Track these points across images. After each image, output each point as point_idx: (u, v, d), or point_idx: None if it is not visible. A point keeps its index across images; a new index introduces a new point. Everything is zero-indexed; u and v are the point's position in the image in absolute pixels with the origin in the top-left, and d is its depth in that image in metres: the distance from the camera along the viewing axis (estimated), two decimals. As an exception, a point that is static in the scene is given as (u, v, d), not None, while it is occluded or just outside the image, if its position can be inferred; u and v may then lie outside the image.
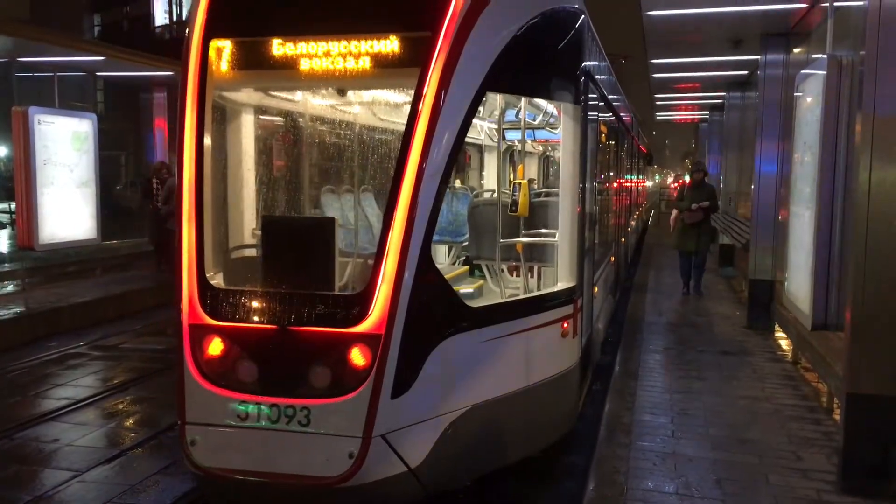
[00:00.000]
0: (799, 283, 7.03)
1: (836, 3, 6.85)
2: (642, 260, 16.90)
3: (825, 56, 6.33)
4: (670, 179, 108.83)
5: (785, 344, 8.69)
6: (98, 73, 15.20)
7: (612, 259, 9.03)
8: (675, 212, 12.19)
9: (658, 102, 17.85)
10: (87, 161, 12.81)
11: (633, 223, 16.43)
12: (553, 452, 5.94)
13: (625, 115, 10.88)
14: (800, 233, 7.03)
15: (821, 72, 6.46)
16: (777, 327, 9.19)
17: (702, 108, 19.55)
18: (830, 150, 6.21)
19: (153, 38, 32.07)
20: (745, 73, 12.57)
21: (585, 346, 5.86)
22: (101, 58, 12.93)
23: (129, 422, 6.78)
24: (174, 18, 33.15)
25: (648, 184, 38.21)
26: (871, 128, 4.29)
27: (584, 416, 6.57)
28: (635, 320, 9.93)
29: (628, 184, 14.57)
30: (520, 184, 5.26)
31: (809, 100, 6.93)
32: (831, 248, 6.30)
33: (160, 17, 33.39)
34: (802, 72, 7.21)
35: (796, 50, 9.01)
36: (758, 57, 9.73)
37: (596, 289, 6.75)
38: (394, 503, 4.21)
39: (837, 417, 6.10)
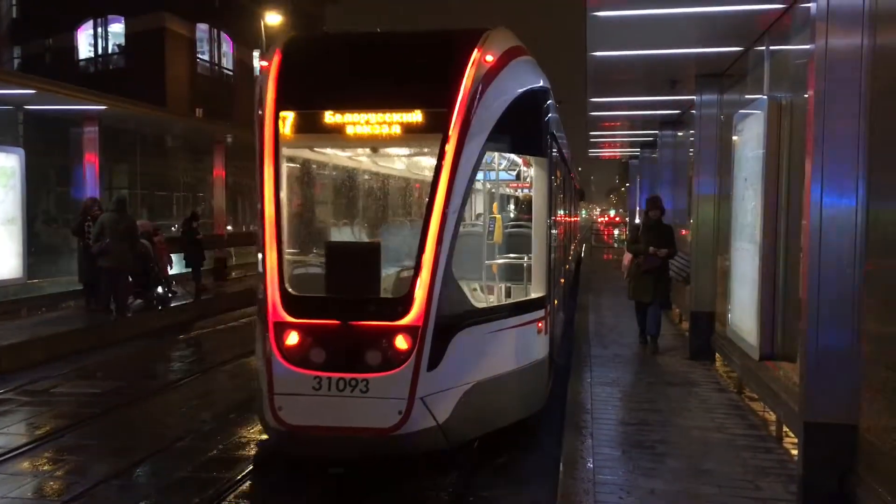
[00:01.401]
0: (743, 316, 7.20)
1: (771, 48, 7.18)
2: (581, 288, 17.24)
3: (765, 97, 6.61)
4: (597, 213, 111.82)
5: (726, 373, 8.88)
6: (26, 107, 14.62)
7: (563, 281, 10.75)
8: (627, 256, 10.47)
9: (592, 139, 18.29)
10: (13, 197, 12.25)
11: (572, 254, 17.12)
12: (516, 485, 6.00)
13: (568, 157, 12.24)
14: (743, 267, 7.24)
15: (759, 112, 6.73)
16: (718, 357, 9.40)
17: (633, 145, 20.13)
18: (773, 187, 6.45)
19: (78, 71, 31.14)
20: (677, 112, 13.03)
21: (550, 344, 7.40)
22: (32, 91, 12.45)
23: (65, 471, 6.45)
24: (99, 52, 32.25)
25: (579, 218, 39.09)
26: (822, 165, 4.47)
27: (543, 448, 6.67)
28: (581, 354, 10.02)
29: (570, 219, 15.17)
30: (495, 218, 7.22)
31: (748, 138, 7.19)
32: (776, 280, 6.50)
33: (84, 51, 32.43)
34: (741, 111, 7.50)
35: (730, 90, 9.38)
36: (693, 97, 10.09)
37: (556, 301, 8.34)
38: (425, 449, 5.79)
39: (788, 446, 6.24)
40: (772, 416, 6.83)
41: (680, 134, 14.41)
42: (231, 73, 34.78)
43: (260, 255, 6.17)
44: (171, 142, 22.04)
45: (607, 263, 27.69)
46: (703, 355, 9.55)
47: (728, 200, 8.06)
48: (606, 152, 24.14)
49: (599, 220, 79.82)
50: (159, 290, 14.58)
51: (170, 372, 10.65)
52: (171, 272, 15.39)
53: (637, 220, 21.96)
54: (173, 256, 15.78)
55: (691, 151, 11.84)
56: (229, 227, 21.74)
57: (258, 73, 6.45)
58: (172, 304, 14.63)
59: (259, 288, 6.19)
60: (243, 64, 35.34)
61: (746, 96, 8.30)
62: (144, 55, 29.86)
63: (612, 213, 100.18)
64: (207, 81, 32.63)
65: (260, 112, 6.29)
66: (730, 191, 7.76)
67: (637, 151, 21.01)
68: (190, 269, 16.87)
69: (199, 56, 32.29)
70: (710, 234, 9.71)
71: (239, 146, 21.91)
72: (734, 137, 7.63)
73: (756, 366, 6.91)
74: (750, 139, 7.04)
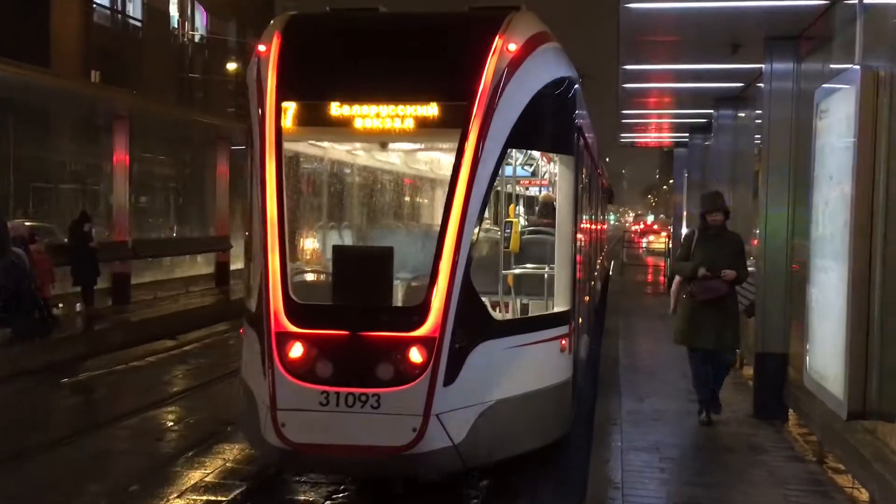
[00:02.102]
0: (827, 359, 7.10)
1: (866, 1, 7.24)
2: (608, 319, 17.24)
3: (857, 67, 6.66)
4: (630, 219, 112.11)
5: (803, 436, 8.96)
6: None
7: (587, 299, 11.77)
8: (675, 281, 9.61)
9: (625, 121, 18.44)
10: None
11: (598, 270, 17.76)
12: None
13: (594, 151, 12.91)
14: (827, 292, 7.19)
15: (849, 86, 6.77)
16: (792, 414, 9.45)
17: (679, 129, 20.30)
18: (867, 186, 6.48)
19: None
20: (739, 85, 13.14)
21: (574, 366, 8.61)
22: None
23: None
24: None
25: (607, 226, 39.39)
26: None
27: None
28: (609, 409, 10.07)
29: (596, 227, 15.68)
30: (511, 222, 8.48)
31: (834, 121, 7.22)
32: (870, 311, 6.44)
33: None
34: (825, 86, 7.55)
35: (810, 58, 9.46)
36: (760, 66, 10.17)
37: (580, 319, 9.44)
38: (440, 470, 7.09)
39: (885, 534, 6.25)
40: (863, 494, 6.85)
41: (742, 115, 14.50)
42: (139, 24, 34.82)
43: (256, 261, 7.43)
44: (56, 116, 21.97)
45: (643, 286, 27.79)
46: (771, 411, 9.58)
47: (807, 204, 8.10)
48: (643, 138, 24.31)
49: (633, 227, 79.83)
50: (36, 314, 14.45)
51: (48, 428, 10.54)
52: (52, 291, 15.30)
53: (686, 227, 21.96)
54: (56, 270, 15.70)
55: (758, 138, 11.91)
56: (134, 233, 21.63)
57: (254, 58, 7.77)
58: (54, 335, 14.50)
59: (253, 296, 7.51)
60: (156, 13, 35.41)
61: (832, 66, 8.36)
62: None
63: (650, 218, 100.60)
64: (107, 35, 32.62)
65: (257, 102, 7.52)
66: (810, 191, 7.81)
67: (684, 137, 21.15)
68: (79, 288, 16.77)
69: (97, 1, 32.30)
70: (782, 249, 9.77)
71: (149, 123, 21.86)
72: (816, 120, 7.68)
73: (843, 426, 6.90)
74: (837, 123, 7.09)
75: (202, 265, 26.03)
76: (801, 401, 8.59)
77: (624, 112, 17.15)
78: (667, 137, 23.66)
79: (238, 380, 7.87)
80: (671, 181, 37.10)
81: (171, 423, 10.61)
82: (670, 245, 27.09)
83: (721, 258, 9.05)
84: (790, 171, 9.71)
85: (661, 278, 28.98)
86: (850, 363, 6.45)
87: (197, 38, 42.00)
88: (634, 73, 12.44)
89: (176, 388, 12.50)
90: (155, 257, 23.13)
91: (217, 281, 24.19)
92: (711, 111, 15.68)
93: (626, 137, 22.59)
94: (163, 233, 26.95)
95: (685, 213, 21.74)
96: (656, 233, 60.91)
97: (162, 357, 14.95)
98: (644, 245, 50.25)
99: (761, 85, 10.42)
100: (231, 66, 46.86)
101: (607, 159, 42.36)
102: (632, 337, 15.53)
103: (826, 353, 7.12)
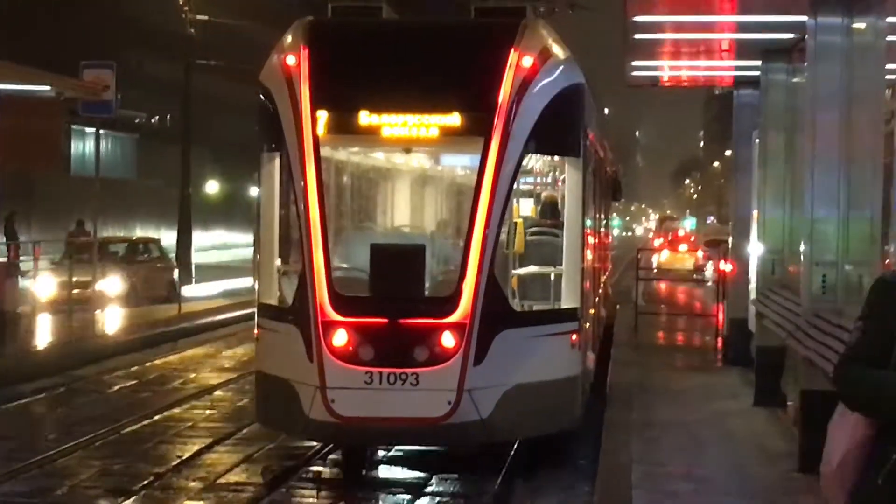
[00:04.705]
0: None
1: None
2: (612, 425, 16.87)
3: None
4: (649, 224, 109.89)
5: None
6: None
7: (593, 311, 18.47)
8: (838, 416, 6.52)
9: (639, 35, 18.05)
10: None
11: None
12: None
13: (599, 146, 19.45)
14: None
15: None
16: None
17: (743, 51, 19.91)
18: None
19: None
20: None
21: (583, 365, 15.96)
22: None
23: None
24: None
25: (611, 237, 38.39)
26: None
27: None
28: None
29: (597, 238, 19.72)
30: (516, 223, 15.06)
31: None
32: None
33: None
34: None
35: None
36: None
37: (588, 325, 16.82)
38: (470, 441, 14.76)
39: None
40: None
41: (861, 26, 14.00)
42: None
43: (293, 260, 14.60)
44: None
45: (676, 358, 25.55)
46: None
47: None
48: (673, 72, 23.65)
49: (655, 240, 78.94)
50: None
51: None
52: None
53: (757, 238, 20.67)
54: None
55: (892, 70, 12.71)
56: None
57: (278, 66, 14.08)
58: None
59: (287, 294, 14.36)
60: None
61: None
62: None
63: (689, 224, 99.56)
64: None
65: (291, 112, 13.74)
66: None
67: (753, 69, 20.28)
68: None
69: None
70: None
71: None
72: None
73: None
74: None
75: None
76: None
77: (637, 21, 16.60)
78: (719, 70, 22.89)
79: (259, 379, 14.51)
80: (728, 153, 35.46)
81: None
82: (726, 275, 25.17)
83: None
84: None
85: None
86: None
87: None
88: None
89: None
90: None
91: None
92: (804, 18, 14.51)
93: (643, 70, 21.83)
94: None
95: (755, 215, 20.38)
96: (689, 247, 58.41)
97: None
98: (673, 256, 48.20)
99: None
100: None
101: (607, 110, 41.92)
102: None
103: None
